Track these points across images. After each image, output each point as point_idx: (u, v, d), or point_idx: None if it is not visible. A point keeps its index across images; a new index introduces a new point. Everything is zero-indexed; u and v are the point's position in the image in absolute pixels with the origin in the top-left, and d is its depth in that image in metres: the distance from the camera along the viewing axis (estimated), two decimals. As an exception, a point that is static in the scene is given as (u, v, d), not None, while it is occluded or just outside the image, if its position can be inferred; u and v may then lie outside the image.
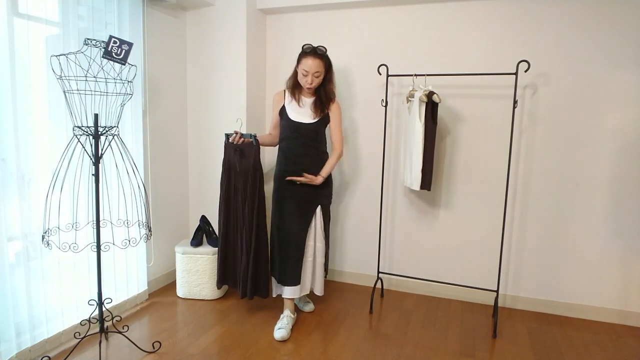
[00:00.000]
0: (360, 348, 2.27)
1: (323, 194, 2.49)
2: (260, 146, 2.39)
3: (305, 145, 2.41)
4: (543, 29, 2.57)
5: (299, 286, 2.43)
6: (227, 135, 2.42)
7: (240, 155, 2.39)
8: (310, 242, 2.45)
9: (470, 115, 2.76)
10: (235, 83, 2.97)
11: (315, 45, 2.38)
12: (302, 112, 2.42)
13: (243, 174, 2.40)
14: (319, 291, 2.55)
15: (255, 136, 2.37)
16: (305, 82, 2.35)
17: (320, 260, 2.50)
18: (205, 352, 2.18)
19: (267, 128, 3.19)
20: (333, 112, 2.47)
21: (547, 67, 2.58)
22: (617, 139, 2.51)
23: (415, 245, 2.99)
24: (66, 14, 2.12)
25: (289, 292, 2.44)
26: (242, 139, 2.36)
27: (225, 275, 2.55)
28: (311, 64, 2.30)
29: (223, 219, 2.48)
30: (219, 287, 2.58)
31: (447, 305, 2.83)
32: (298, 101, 2.44)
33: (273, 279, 2.54)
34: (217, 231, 3.04)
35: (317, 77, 2.35)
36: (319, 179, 2.38)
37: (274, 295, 2.55)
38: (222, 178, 2.47)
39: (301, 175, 2.35)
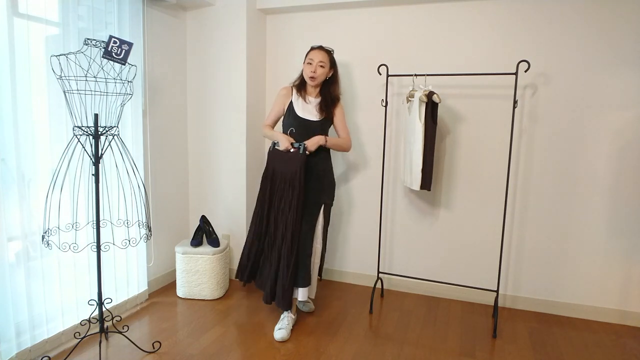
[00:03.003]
0: (360, 348, 2.27)
1: (327, 194, 2.50)
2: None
3: None
4: (543, 29, 2.57)
5: (308, 287, 2.42)
6: (275, 144, 2.44)
7: (284, 163, 2.38)
8: (314, 243, 2.45)
9: (470, 115, 2.76)
10: (235, 83, 2.97)
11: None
12: (308, 110, 2.44)
13: (289, 180, 2.35)
14: (311, 294, 2.54)
15: (304, 146, 2.35)
16: (310, 71, 2.38)
17: (316, 261, 2.50)
18: (205, 352, 2.18)
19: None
20: (337, 113, 2.51)
21: (547, 67, 2.58)
22: (617, 139, 2.51)
23: (415, 246, 2.99)
24: (66, 14, 2.12)
25: (300, 294, 2.42)
26: (293, 147, 2.37)
27: (252, 273, 2.50)
28: (317, 54, 2.39)
29: (261, 224, 2.45)
30: (245, 283, 2.54)
31: (447, 305, 2.83)
32: (304, 98, 2.46)
33: None
34: (217, 232, 3.04)
35: (322, 66, 2.39)
36: (318, 138, 2.38)
37: None
38: (265, 185, 2.45)
39: (309, 173, 2.39)
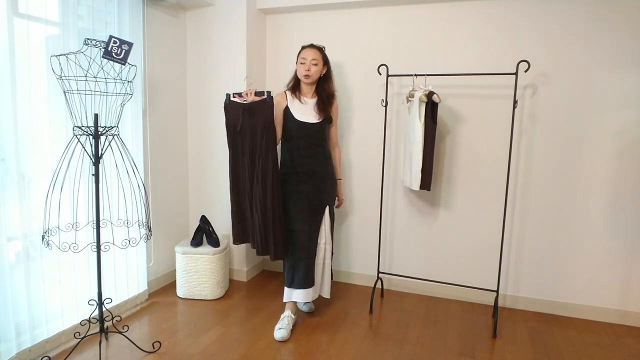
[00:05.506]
0: (360, 348, 2.27)
1: (330, 195, 2.52)
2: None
3: (312, 144, 2.43)
4: (543, 29, 2.57)
5: (312, 288, 2.41)
6: (229, 96, 2.36)
7: (248, 114, 2.32)
8: (320, 244, 2.45)
9: (470, 115, 2.76)
10: (235, 83, 2.96)
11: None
12: (306, 112, 2.44)
13: (251, 133, 2.32)
14: (326, 294, 2.55)
15: (270, 93, 2.31)
16: (303, 69, 2.39)
17: (328, 262, 2.51)
18: (205, 352, 2.18)
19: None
20: (334, 112, 2.55)
21: (547, 67, 2.58)
22: (617, 139, 2.51)
23: (415, 245, 2.99)
24: (66, 14, 2.12)
25: (302, 296, 2.39)
26: (255, 95, 2.32)
27: (242, 232, 2.51)
28: (309, 52, 2.40)
29: (233, 181, 2.43)
30: (236, 243, 2.54)
31: (447, 305, 2.83)
32: (299, 99, 2.46)
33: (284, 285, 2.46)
34: (217, 232, 3.03)
35: (315, 64, 2.39)
36: (341, 194, 2.71)
37: (285, 301, 2.46)
38: (228, 141, 2.41)
39: (311, 179, 2.42)
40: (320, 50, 2.44)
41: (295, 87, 2.50)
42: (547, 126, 2.62)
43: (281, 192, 2.41)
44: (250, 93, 2.32)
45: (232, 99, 2.38)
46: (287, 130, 2.46)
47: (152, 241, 2.85)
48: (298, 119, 2.41)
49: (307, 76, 2.40)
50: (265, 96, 2.30)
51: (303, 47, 2.44)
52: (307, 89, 2.48)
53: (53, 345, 2.17)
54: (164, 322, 2.49)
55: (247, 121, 2.32)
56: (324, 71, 2.47)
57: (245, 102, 2.34)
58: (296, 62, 2.45)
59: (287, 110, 2.44)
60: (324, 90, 2.48)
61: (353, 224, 3.14)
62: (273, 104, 2.32)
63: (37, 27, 2.00)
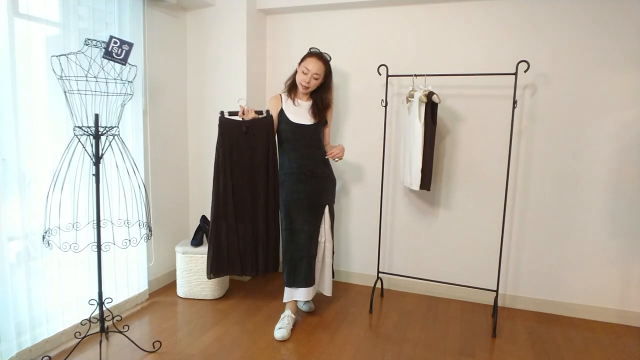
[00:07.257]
0: (360, 348, 2.27)
1: (330, 194, 2.53)
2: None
3: (309, 146, 2.44)
4: (543, 29, 2.57)
5: (312, 287, 2.42)
6: (224, 113, 2.33)
7: (251, 131, 2.32)
8: (320, 242, 2.47)
9: (470, 115, 2.76)
10: (235, 83, 2.97)
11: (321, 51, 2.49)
12: (300, 114, 2.45)
13: (251, 150, 2.33)
14: (327, 292, 2.56)
15: (268, 112, 2.38)
16: (303, 80, 2.39)
17: (328, 260, 2.52)
18: (205, 352, 2.19)
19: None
20: (328, 116, 2.56)
21: (547, 67, 2.58)
22: (617, 139, 2.51)
23: (415, 245, 2.99)
24: (66, 14, 2.12)
25: (303, 294, 2.41)
26: (255, 113, 2.35)
27: (223, 263, 2.39)
28: (313, 64, 2.37)
29: (225, 204, 2.34)
30: (209, 278, 2.41)
31: (447, 305, 2.83)
32: (293, 100, 2.47)
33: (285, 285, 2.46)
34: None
35: (316, 79, 2.39)
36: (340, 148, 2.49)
37: (286, 301, 2.46)
38: (221, 159, 2.32)
39: (310, 180, 2.43)
40: (325, 63, 2.41)
41: (292, 87, 2.50)
42: (547, 126, 2.62)
43: (281, 193, 2.43)
44: (250, 111, 2.34)
45: (227, 116, 2.35)
46: (282, 132, 2.46)
47: (153, 241, 2.85)
48: (293, 121, 2.42)
49: (305, 87, 2.41)
50: (265, 115, 2.36)
51: (310, 54, 2.41)
52: (302, 94, 2.50)
53: (53, 345, 2.17)
54: (164, 322, 2.50)
55: (251, 138, 2.35)
56: (323, 81, 2.46)
57: (243, 119, 2.35)
58: (299, 65, 2.44)
59: (281, 112, 2.45)
60: (320, 99, 2.48)
61: (353, 223, 3.14)
62: (273, 121, 2.39)
63: (38, 27, 2.01)
